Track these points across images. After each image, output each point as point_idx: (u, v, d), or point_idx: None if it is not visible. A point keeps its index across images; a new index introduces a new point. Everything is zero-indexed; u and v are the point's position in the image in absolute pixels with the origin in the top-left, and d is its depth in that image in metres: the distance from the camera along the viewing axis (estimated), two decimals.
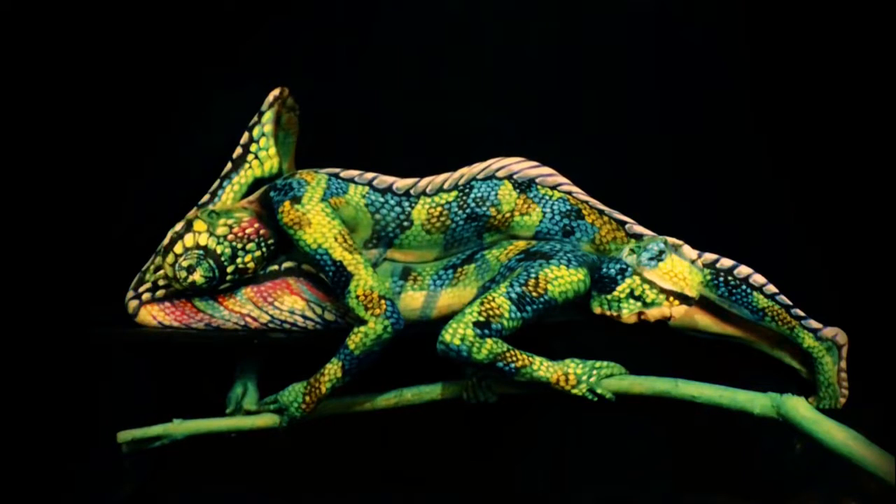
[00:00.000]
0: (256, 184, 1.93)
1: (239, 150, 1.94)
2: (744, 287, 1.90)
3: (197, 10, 2.09)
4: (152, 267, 1.92)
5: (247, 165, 1.93)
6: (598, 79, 2.11)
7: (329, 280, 1.84)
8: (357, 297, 1.81)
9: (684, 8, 2.10)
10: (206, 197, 1.93)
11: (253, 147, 1.94)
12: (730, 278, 1.90)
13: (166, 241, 1.88)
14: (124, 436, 1.90)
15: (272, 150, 1.94)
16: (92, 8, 2.07)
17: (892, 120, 2.03)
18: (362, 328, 1.81)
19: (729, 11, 2.10)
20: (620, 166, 2.09)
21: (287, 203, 1.85)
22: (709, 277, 1.90)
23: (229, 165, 1.94)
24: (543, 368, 1.80)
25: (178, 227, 1.88)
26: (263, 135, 1.94)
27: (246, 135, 1.94)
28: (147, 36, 2.09)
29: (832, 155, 2.07)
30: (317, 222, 1.84)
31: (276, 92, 1.94)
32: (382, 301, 1.81)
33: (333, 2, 2.12)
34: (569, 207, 1.92)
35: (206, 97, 2.10)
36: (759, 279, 1.90)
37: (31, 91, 2.08)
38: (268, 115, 1.94)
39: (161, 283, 1.90)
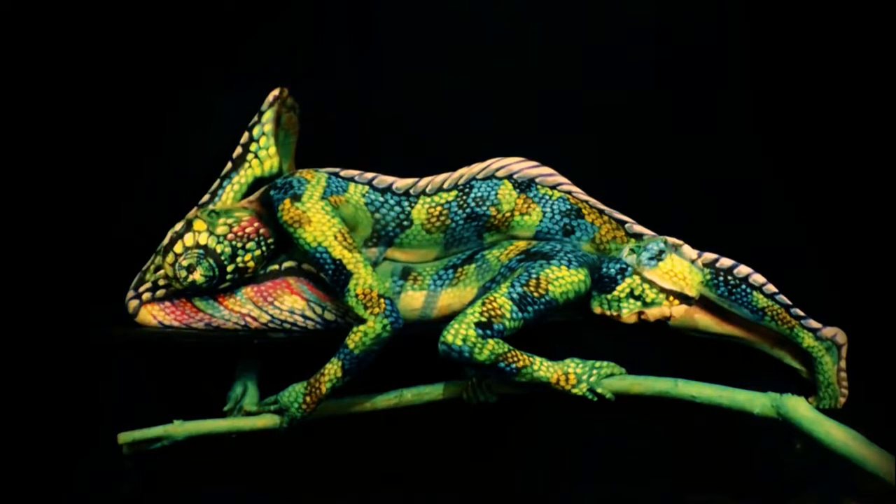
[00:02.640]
0: (257, 183, 1.93)
1: (239, 150, 1.94)
2: (743, 286, 1.89)
3: (197, 11, 2.09)
4: (152, 267, 1.92)
5: (247, 165, 1.93)
6: (598, 79, 2.11)
7: (328, 278, 1.84)
8: (356, 295, 1.81)
9: (684, 8, 2.10)
10: (207, 197, 1.93)
11: (253, 147, 1.94)
12: (729, 278, 1.90)
13: (166, 240, 1.88)
14: (125, 437, 1.90)
15: (272, 150, 1.94)
16: (92, 8, 2.07)
17: (891, 120, 2.03)
18: (361, 327, 1.81)
19: (729, 11, 2.10)
20: (620, 166, 2.09)
21: (287, 201, 1.85)
22: (709, 277, 1.90)
23: (229, 165, 1.94)
24: (544, 369, 1.80)
25: (178, 226, 1.88)
26: (263, 134, 1.94)
27: (246, 134, 1.94)
28: (147, 36, 2.09)
29: (832, 155, 2.07)
30: (316, 220, 1.84)
31: (276, 92, 1.94)
32: (381, 300, 1.81)
33: (333, 2, 2.12)
34: (569, 207, 1.92)
35: (206, 97, 2.10)
36: (758, 279, 1.90)
37: (32, 91, 2.08)
38: (268, 115, 1.94)
39: (161, 282, 1.90)
